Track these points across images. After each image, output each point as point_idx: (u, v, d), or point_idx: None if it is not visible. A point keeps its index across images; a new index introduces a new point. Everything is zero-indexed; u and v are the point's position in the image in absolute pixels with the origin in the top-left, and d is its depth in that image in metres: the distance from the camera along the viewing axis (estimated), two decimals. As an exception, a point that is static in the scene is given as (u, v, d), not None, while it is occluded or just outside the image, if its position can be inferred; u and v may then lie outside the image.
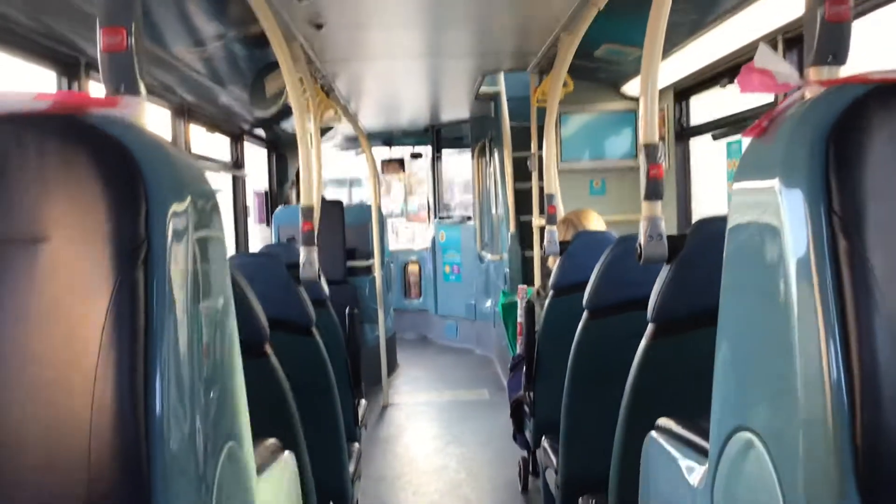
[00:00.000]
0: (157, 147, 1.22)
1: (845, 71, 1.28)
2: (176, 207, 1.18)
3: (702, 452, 1.54)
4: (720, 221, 1.48)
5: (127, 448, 1.08)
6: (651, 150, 2.25)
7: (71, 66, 3.31)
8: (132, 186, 1.14)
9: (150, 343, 1.11)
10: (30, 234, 1.13)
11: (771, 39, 3.56)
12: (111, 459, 1.08)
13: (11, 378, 1.11)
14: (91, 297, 1.10)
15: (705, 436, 1.50)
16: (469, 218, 9.95)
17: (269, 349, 2.31)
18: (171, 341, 1.13)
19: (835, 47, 1.27)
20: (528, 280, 6.35)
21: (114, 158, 1.14)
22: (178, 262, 1.17)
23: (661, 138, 5.11)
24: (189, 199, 1.22)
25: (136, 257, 1.12)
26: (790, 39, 3.51)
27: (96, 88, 3.49)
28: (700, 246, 2.14)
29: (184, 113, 4.84)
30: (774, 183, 1.18)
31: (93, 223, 1.12)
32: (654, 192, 2.26)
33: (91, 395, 1.09)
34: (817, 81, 1.26)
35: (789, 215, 1.14)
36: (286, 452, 1.90)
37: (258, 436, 1.63)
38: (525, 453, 4.58)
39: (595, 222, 4.17)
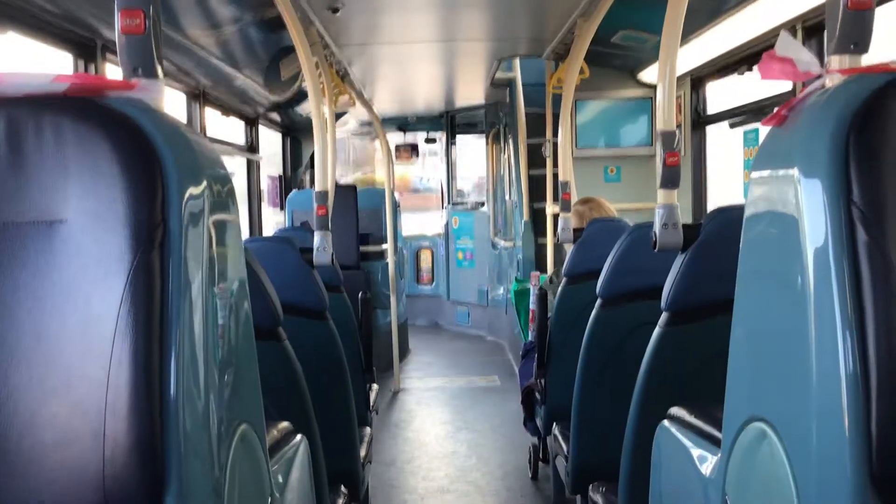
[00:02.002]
0: (175, 130, 1.22)
1: (867, 60, 1.27)
2: (192, 191, 1.18)
3: (714, 442, 1.54)
4: (737, 210, 1.48)
5: (142, 428, 1.09)
6: (668, 137, 2.24)
7: (87, 48, 3.31)
8: (149, 169, 1.14)
9: (166, 325, 1.12)
10: (47, 215, 1.13)
11: (790, 28, 3.53)
12: (126, 439, 1.09)
13: (27, 358, 1.12)
14: (107, 279, 1.11)
15: (718, 425, 1.50)
16: (482, 204, 9.93)
17: (282, 333, 2.32)
18: (187, 324, 1.14)
19: (857, 35, 1.26)
20: (541, 267, 6.35)
21: (131, 141, 1.14)
22: (194, 246, 1.17)
23: (678, 126, 5.08)
24: (205, 182, 1.23)
25: (152, 240, 1.12)
26: (809, 28, 3.48)
27: (112, 71, 3.49)
28: (716, 235, 2.13)
29: (199, 96, 4.85)
30: (794, 172, 1.17)
31: (110, 205, 1.12)
32: (670, 180, 2.25)
33: (106, 376, 1.09)
34: (838, 70, 1.25)
35: (808, 205, 1.13)
36: (298, 436, 1.91)
37: (271, 419, 1.64)
38: (535, 440, 4.58)
39: (605, 209, 4.16)
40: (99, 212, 1.12)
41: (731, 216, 2.01)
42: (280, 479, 1.66)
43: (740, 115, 4.62)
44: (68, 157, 1.14)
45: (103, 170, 1.13)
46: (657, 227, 2.21)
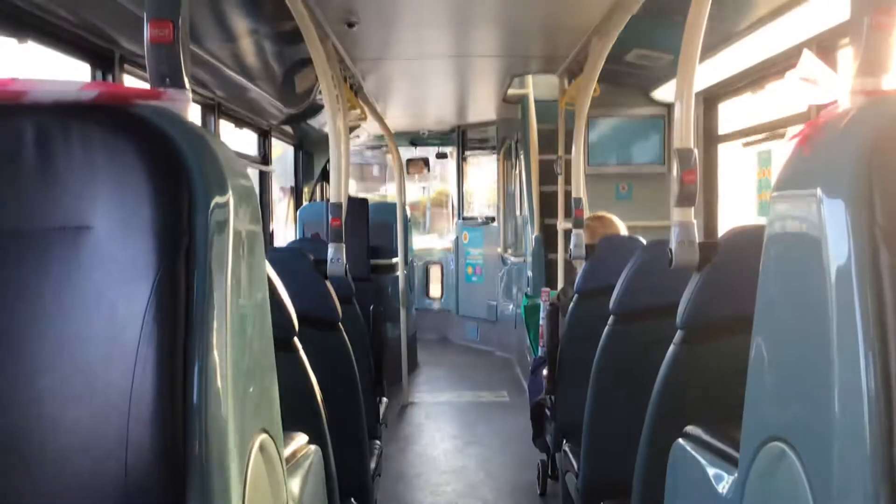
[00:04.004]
0: (202, 140, 1.23)
1: (890, 81, 1.27)
2: (218, 200, 1.19)
3: (731, 461, 1.53)
4: (755, 230, 1.48)
5: (164, 435, 1.10)
6: (685, 155, 2.24)
7: (105, 59, 3.33)
8: (176, 178, 1.15)
9: (190, 333, 1.13)
10: (73, 222, 1.14)
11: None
12: (149, 445, 1.10)
13: (52, 363, 1.13)
14: (133, 287, 1.12)
15: (735, 444, 1.49)
16: (492, 219, 9.94)
17: (297, 343, 2.33)
18: (211, 332, 1.15)
19: (880, 57, 1.26)
20: (551, 283, 6.34)
21: (159, 150, 1.16)
22: (219, 254, 1.18)
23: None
24: (231, 192, 1.23)
25: (178, 248, 1.13)
26: (824, 49, 3.48)
27: (130, 83, 3.51)
28: (733, 253, 2.13)
29: (214, 108, 4.88)
30: (816, 192, 1.17)
31: (136, 213, 1.13)
32: (686, 198, 2.25)
33: (130, 383, 1.10)
34: (861, 91, 1.26)
35: (831, 225, 1.13)
36: (313, 447, 1.91)
37: (285, 429, 1.64)
38: (544, 456, 4.57)
39: (617, 227, 4.17)
40: (125, 219, 1.13)
41: (749, 235, 2.01)
42: (295, 490, 1.67)
43: (750, 134, 4.62)
44: (96, 164, 1.15)
45: (130, 178, 1.14)
46: (673, 245, 2.21)
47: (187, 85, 1.37)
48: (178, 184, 1.15)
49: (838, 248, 1.11)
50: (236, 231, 1.25)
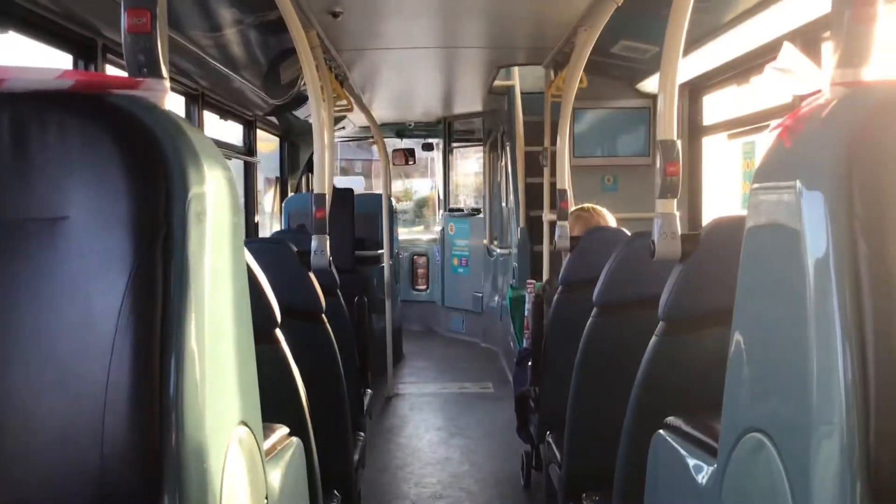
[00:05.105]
0: (180, 130, 1.22)
1: (870, 73, 1.27)
2: (196, 191, 1.18)
3: (711, 452, 1.54)
4: (735, 221, 1.48)
5: (141, 427, 1.09)
6: (668, 146, 2.24)
7: (88, 48, 3.30)
8: (153, 169, 1.14)
9: (167, 325, 1.12)
10: (49, 212, 1.13)
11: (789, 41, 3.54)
12: (124, 438, 1.09)
13: (26, 355, 1.11)
14: (109, 277, 1.11)
15: (714, 435, 1.50)
16: (478, 211, 9.94)
17: (279, 335, 2.32)
18: (188, 325, 1.14)
19: (861, 49, 1.26)
20: (536, 274, 6.35)
21: (136, 140, 1.14)
22: (197, 245, 1.17)
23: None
24: (209, 183, 1.22)
25: (155, 239, 1.12)
26: (808, 41, 3.49)
27: (112, 72, 3.48)
28: (714, 245, 2.13)
29: (198, 98, 4.85)
30: (796, 184, 1.17)
31: (113, 203, 1.12)
32: (669, 190, 2.25)
33: (106, 375, 1.09)
34: (842, 83, 1.26)
35: (810, 217, 1.13)
36: (294, 439, 1.90)
37: (267, 421, 1.64)
38: (528, 448, 4.58)
39: (607, 219, 4.17)
40: (102, 209, 1.12)
41: (730, 227, 2.01)
42: (275, 482, 1.66)
43: (735, 126, 4.63)
44: (72, 153, 1.13)
45: (107, 167, 1.13)
46: (656, 237, 2.22)
47: (165, 74, 1.36)
48: (154, 174, 1.14)
49: (817, 240, 1.12)
50: (215, 222, 1.24)
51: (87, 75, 1.21)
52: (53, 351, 1.11)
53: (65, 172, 1.13)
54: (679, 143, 2.26)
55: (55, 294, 1.11)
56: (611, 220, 4.17)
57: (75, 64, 3.30)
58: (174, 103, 4.63)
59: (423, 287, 10.51)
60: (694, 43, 4.17)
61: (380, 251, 7.37)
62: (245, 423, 1.36)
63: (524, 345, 4.93)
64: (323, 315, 3.04)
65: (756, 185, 1.32)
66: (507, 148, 7.55)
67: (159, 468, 1.10)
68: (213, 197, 1.23)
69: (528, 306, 5.22)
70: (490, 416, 6.23)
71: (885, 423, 1.03)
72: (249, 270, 1.99)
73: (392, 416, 6.43)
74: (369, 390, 4.25)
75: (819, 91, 1.31)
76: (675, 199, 2.27)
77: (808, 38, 3.48)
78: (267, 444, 1.62)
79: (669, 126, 2.28)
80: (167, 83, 1.34)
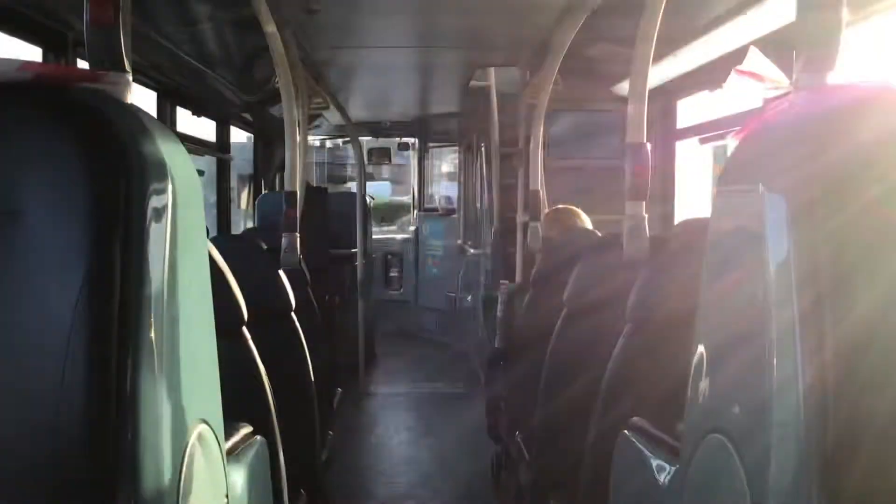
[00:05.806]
0: (141, 125, 1.20)
1: (833, 78, 1.28)
2: (157, 186, 1.17)
3: (673, 453, 1.54)
4: (703, 223, 1.48)
5: (96, 425, 1.07)
6: (637, 149, 2.25)
7: (58, 42, 3.26)
8: (112, 163, 1.12)
9: (124, 321, 1.10)
10: (5, 205, 1.11)
11: (762, 47, 3.57)
12: (79, 436, 1.07)
13: None
14: (65, 273, 1.09)
15: (677, 436, 1.50)
16: (453, 211, 9.93)
17: (245, 332, 2.30)
18: (145, 320, 1.12)
19: (823, 54, 1.27)
20: (509, 275, 6.35)
21: (95, 133, 1.13)
22: (156, 241, 1.16)
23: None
24: (171, 178, 1.21)
25: (113, 235, 1.10)
26: (781, 46, 3.51)
27: (84, 66, 3.44)
28: (682, 247, 2.14)
29: (170, 94, 4.80)
30: (758, 188, 1.18)
31: (70, 198, 1.10)
32: (638, 192, 2.26)
33: (61, 373, 1.07)
34: (805, 87, 1.26)
35: (771, 221, 1.14)
36: (258, 437, 1.89)
37: (232, 419, 1.62)
38: (499, 448, 4.58)
39: (584, 221, 4.18)
40: (59, 204, 1.10)
41: (699, 229, 2.01)
42: (238, 481, 1.65)
43: (708, 131, 4.66)
44: (31, 146, 1.12)
45: (66, 161, 1.11)
46: (624, 239, 2.23)
47: (128, 68, 1.34)
48: (114, 168, 1.12)
49: (778, 244, 1.12)
50: (175, 218, 1.22)
51: (49, 68, 1.20)
52: (8, 348, 1.09)
53: (22, 165, 1.11)
54: (648, 146, 2.27)
55: (10, 289, 1.10)
56: (587, 222, 4.18)
57: (45, 57, 3.26)
58: (146, 99, 4.59)
59: (397, 287, 10.49)
60: (668, 47, 4.19)
61: (354, 250, 7.35)
62: (205, 421, 1.35)
63: (496, 345, 4.93)
64: (292, 313, 3.03)
65: (720, 189, 1.33)
66: (483, 149, 7.55)
67: (115, 466, 1.08)
68: (174, 193, 1.22)
69: (499, 307, 5.22)
70: (461, 417, 6.23)
71: (842, 424, 1.04)
72: (216, 268, 1.98)
73: (363, 416, 6.41)
74: (339, 389, 4.23)
75: (784, 95, 1.32)
76: (644, 202, 2.28)
77: (780, 44, 3.50)
78: (229, 443, 1.61)
79: (639, 129, 2.30)
80: (130, 77, 1.33)
